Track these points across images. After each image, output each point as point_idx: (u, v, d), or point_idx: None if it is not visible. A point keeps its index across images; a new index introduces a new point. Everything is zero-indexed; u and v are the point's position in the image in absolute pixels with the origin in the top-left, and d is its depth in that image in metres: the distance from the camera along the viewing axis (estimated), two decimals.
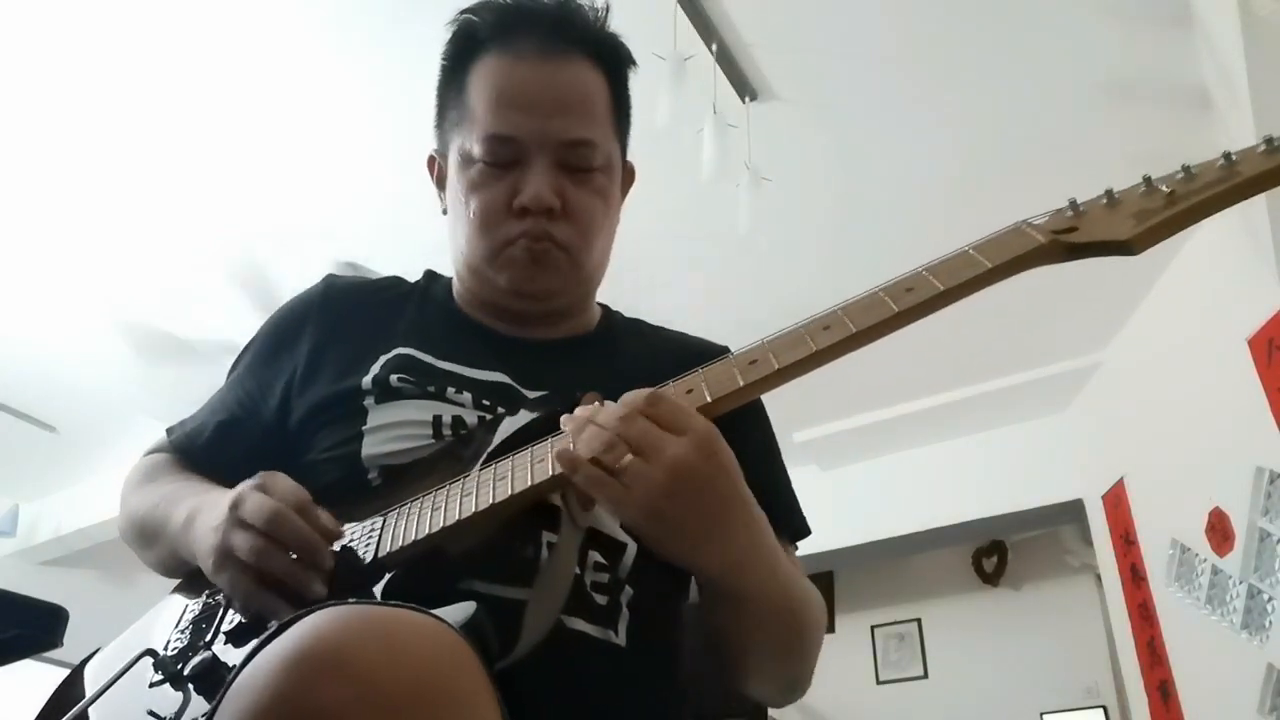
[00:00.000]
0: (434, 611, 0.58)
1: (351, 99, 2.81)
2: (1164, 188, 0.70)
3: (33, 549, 4.84)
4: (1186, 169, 0.70)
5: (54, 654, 1.45)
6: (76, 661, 0.86)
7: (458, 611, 0.61)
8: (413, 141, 3.27)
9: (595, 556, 0.83)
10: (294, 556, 0.73)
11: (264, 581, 0.73)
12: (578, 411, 0.75)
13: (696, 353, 0.90)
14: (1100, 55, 2.59)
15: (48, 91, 2.75)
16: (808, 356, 0.72)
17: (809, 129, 2.86)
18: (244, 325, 3.50)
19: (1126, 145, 2.85)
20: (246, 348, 1.08)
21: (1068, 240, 0.70)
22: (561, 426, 0.76)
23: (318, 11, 2.55)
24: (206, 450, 1.02)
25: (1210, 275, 3.13)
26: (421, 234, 3.18)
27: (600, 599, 0.82)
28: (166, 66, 2.69)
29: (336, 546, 0.78)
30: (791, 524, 0.98)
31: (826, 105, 2.78)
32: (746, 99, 2.70)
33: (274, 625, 0.56)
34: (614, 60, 1.00)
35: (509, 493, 0.74)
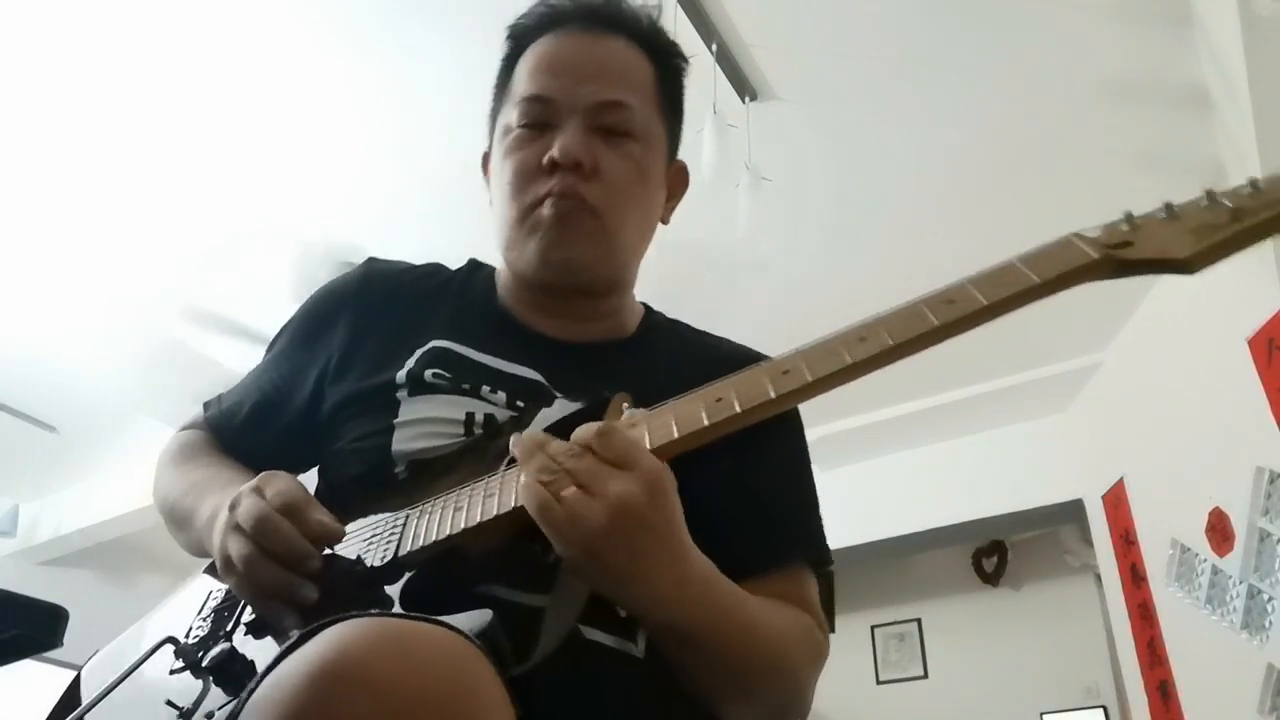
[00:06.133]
0: (450, 620, 0.58)
1: (351, 95, 2.81)
2: (1227, 202, 0.65)
3: (33, 549, 4.85)
4: (1254, 183, 0.65)
5: (54, 654, 1.45)
6: (76, 661, 0.87)
7: (473, 619, 0.61)
8: (412, 141, 3.27)
9: None
10: (280, 563, 0.73)
11: (257, 587, 0.74)
12: (527, 435, 0.73)
13: (736, 361, 0.88)
14: (1100, 55, 2.59)
15: (47, 92, 2.75)
16: (842, 369, 0.69)
17: (809, 129, 2.86)
18: (244, 325, 3.50)
19: (1126, 145, 2.85)
20: (284, 328, 1.06)
21: (1121, 256, 0.66)
22: (511, 447, 0.73)
23: (319, 9, 2.55)
24: (240, 432, 1.02)
25: (1210, 275, 3.10)
26: (421, 234, 3.18)
27: (621, 610, 0.80)
28: (163, 66, 2.69)
29: (350, 553, 0.77)
30: (808, 549, 0.94)
31: (826, 105, 2.78)
32: (746, 99, 2.70)
33: (294, 635, 0.56)
34: (661, 52, 1.01)
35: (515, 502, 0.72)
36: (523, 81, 0.95)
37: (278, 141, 2.96)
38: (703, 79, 2.51)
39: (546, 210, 0.92)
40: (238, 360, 3.60)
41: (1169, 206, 0.67)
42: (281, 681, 0.51)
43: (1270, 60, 2.16)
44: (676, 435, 0.72)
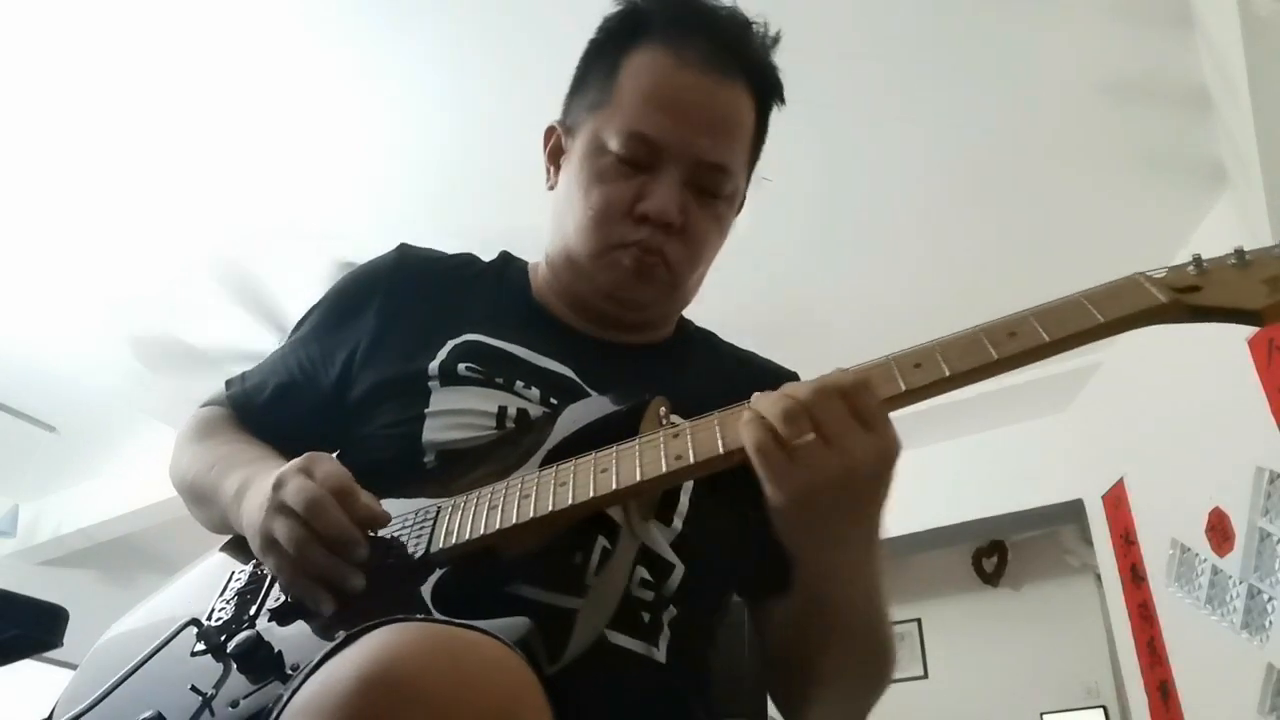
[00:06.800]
0: (492, 627, 0.58)
1: (350, 99, 2.81)
2: None
3: (33, 549, 4.85)
4: None
5: (54, 654, 1.45)
6: (76, 661, 0.86)
7: (513, 627, 0.61)
8: (411, 140, 3.26)
9: (642, 573, 0.82)
10: (330, 548, 0.73)
11: (304, 570, 0.73)
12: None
13: (768, 375, 0.88)
14: (1100, 55, 2.59)
15: (48, 93, 2.75)
16: (896, 395, 0.68)
17: (806, 130, 2.86)
18: (243, 325, 3.50)
19: (1126, 145, 2.85)
20: (313, 309, 1.05)
21: (1191, 301, 0.65)
22: (753, 401, 0.72)
23: (314, 9, 2.55)
24: (263, 411, 1.00)
25: None
26: (420, 234, 3.18)
27: (645, 615, 0.81)
28: (163, 69, 2.69)
29: (385, 533, 0.77)
30: None
31: (826, 105, 2.78)
32: None
33: (340, 636, 0.55)
34: (768, 93, 1.00)
35: (569, 501, 0.72)
36: (633, 101, 0.91)
37: (278, 143, 2.96)
38: None
39: (627, 260, 0.91)
40: (238, 360, 3.60)
41: (1240, 253, 0.66)
42: (329, 686, 0.51)
43: (1270, 60, 2.16)
44: (722, 451, 0.71)
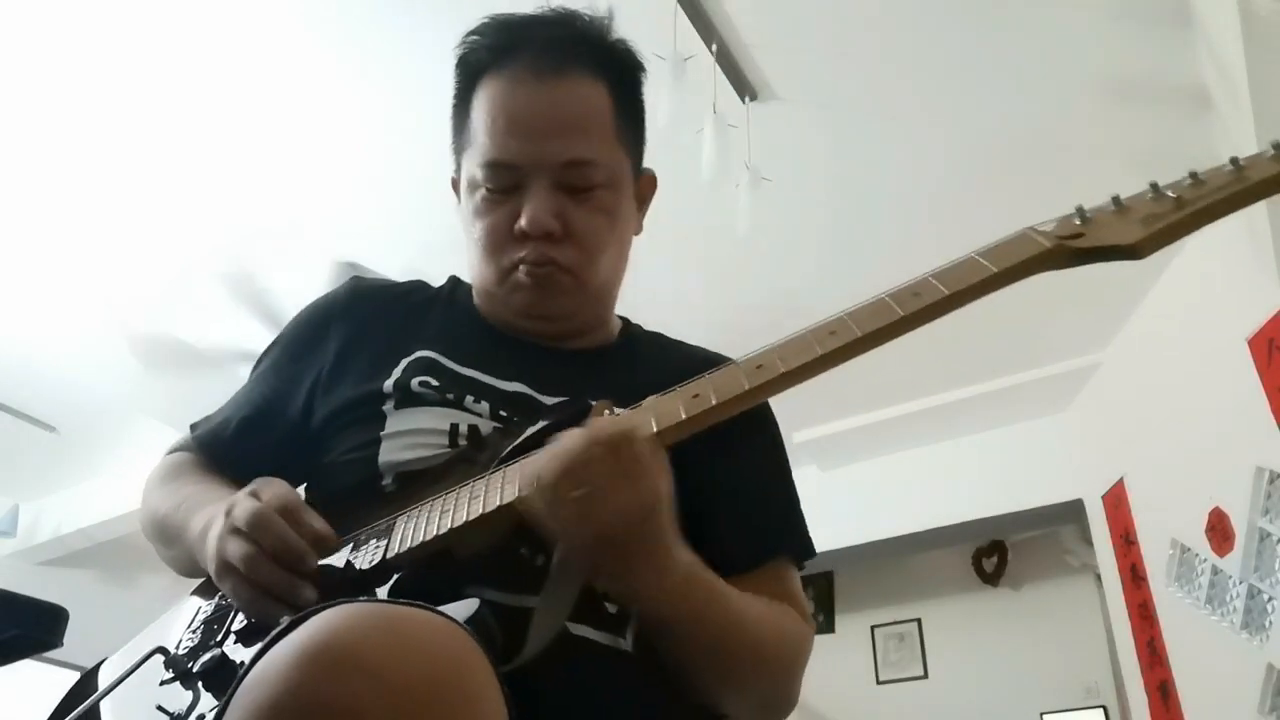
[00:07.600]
0: (439, 608, 0.59)
1: (349, 99, 2.82)
2: (1171, 194, 0.70)
3: (33, 549, 4.85)
4: (1194, 175, 0.70)
5: (54, 654, 1.45)
6: (76, 661, 0.86)
7: (462, 608, 0.62)
8: (410, 140, 3.27)
9: None
10: (277, 561, 0.74)
11: (258, 589, 0.74)
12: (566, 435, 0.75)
13: (712, 364, 0.89)
14: (1100, 55, 2.59)
15: (48, 92, 2.75)
16: (813, 361, 0.73)
17: (809, 129, 2.86)
18: (243, 325, 3.50)
19: (1126, 145, 2.85)
20: (273, 344, 1.08)
21: (1074, 245, 0.71)
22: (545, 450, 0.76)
23: (314, 8, 2.55)
24: (230, 447, 1.02)
25: (1210, 275, 3.13)
26: (420, 233, 3.18)
27: (611, 606, 0.82)
28: (163, 70, 2.70)
29: (340, 561, 0.77)
30: (790, 543, 0.97)
31: (826, 105, 2.78)
32: (746, 99, 2.70)
33: (284, 623, 0.56)
34: (618, 68, 0.99)
35: (515, 495, 0.74)
36: (482, 135, 0.94)
37: (279, 143, 2.96)
38: (703, 79, 2.51)
39: (523, 277, 0.95)
40: (238, 360, 3.60)
41: (1117, 199, 0.72)
42: (272, 664, 0.51)
43: (1270, 60, 2.16)
44: (655, 429, 0.75)
